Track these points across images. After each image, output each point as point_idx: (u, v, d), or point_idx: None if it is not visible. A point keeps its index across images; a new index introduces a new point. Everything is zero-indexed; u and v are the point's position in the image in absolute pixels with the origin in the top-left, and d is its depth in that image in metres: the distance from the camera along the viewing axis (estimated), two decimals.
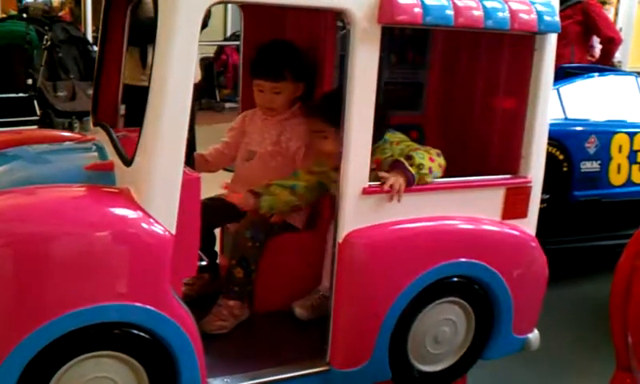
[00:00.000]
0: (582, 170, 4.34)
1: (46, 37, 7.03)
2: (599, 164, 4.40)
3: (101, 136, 2.69)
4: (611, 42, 5.99)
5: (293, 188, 2.76)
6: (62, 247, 2.05)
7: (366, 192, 2.44)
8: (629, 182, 4.55)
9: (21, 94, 6.97)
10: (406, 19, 2.31)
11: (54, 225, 2.08)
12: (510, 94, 2.79)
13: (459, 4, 2.36)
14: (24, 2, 8.56)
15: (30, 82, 6.98)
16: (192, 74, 2.13)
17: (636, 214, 4.64)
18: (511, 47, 2.75)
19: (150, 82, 2.15)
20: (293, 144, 2.91)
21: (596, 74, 4.87)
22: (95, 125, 2.82)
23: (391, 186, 2.45)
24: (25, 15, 7.39)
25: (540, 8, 2.51)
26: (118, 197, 2.20)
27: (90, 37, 7.87)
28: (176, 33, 2.08)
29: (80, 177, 2.36)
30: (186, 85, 2.12)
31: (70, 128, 7.02)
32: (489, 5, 2.42)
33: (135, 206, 2.15)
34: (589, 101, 4.57)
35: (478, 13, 2.39)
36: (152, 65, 2.15)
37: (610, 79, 4.91)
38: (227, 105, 9.79)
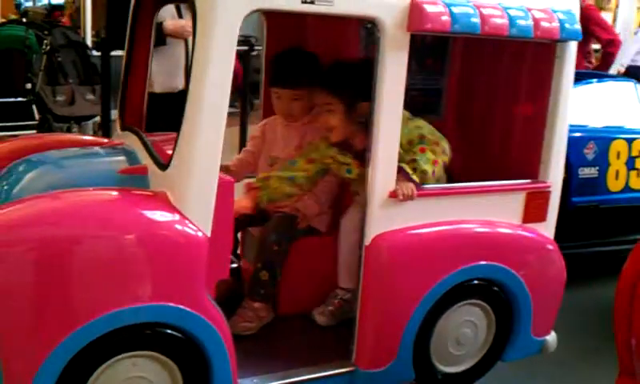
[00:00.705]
0: (581, 176, 4.36)
1: (45, 41, 6.98)
2: (597, 170, 4.42)
3: (128, 140, 2.72)
4: (611, 44, 6.00)
5: (291, 179, 2.80)
6: (101, 249, 2.09)
7: (392, 195, 2.50)
8: (627, 188, 4.57)
9: (20, 99, 6.93)
10: (435, 27, 2.37)
11: (96, 228, 2.11)
12: (530, 99, 2.85)
13: (485, 12, 2.43)
14: (23, 7, 8.52)
15: (29, 86, 6.92)
16: (229, 80, 2.17)
17: (634, 220, 4.69)
18: (532, 54, 2.81)
19: (187, 88, 2.19)
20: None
21: (594, 80, 4.91)
22: (123, 129, 2.85)
23: (404, 195, 2.51)
24: (24, 19, 7.36)
25: (561, 16, 2.58)
26: (156, 199, 2.24)
27: (89, 41, 7.84)
28: (214, 40, 2.13)
29: (113, 181, 2.40)
30: (223, 91, 2.16)
31: (69, 133, 6.98)
32: (513, 13, 2.48)
33: (172, 208, 2.19)
34: (587, 107, 4.59)
35: (503, 21, 2.46)
36: (190, 70, 2.18)
37: (609, 85, 4.96)
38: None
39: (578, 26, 2.61)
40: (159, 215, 2.18)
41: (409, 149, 2.60)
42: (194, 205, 2.19)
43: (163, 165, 2.30)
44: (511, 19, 2.46)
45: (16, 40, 6.95)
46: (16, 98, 6.94)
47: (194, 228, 2.17)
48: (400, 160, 2.54)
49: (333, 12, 2.26)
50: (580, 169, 4.35)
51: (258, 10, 2.19)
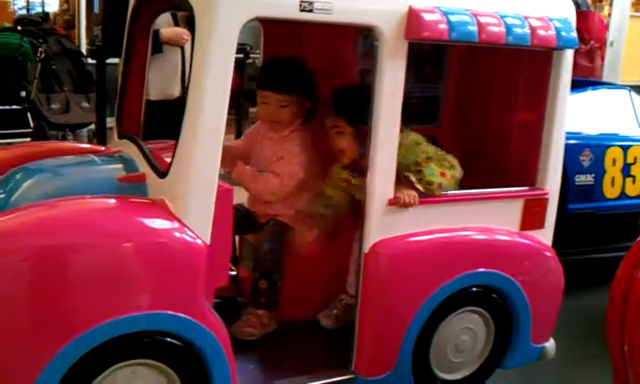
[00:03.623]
0: (577, 183, 4.39)
1: (40, 49, 6.97)
2: (593, 177, 4.45)
3: (126, 148, 2.71)
4: None
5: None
6: (99, 257, 2.08)
7: (391, 203, 2.50)
8: (623, 195, 4.60)
9: (14, 107, 6.91)
10: (432, 35, 2.38)
11: (94, 236, 2.11)
12: (527, 107, 2.87)
13: (482, 21, 2.44)
14: (18, 14, 8.49)
15: (23, 94, 6.91)
16: (228, 87, 2.17)
17: (630, 227, 4.70)
18: (529, 62, 2.82)
19: (186, 95, 2.19)
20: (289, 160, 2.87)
21: (589, 87, 4.93)
22: (120, 137, 2.84)
23: (405, 203, 2.52)
24: (19, 27, 7.34)
25: (558, 24, 2.60)
26: (155, 208, 2.24)
27: (84, 49, 7.82)
28: (214, 48, 2.13)
29: (112, 188, 2.39)
30: (222, 98, 2.17)
31: (64, 140, 6.97)
32: (510, 21, 2.50)
33: (172, 216, 2.19)
34: (583, 114, 4.62)
35: (500, 29, 2.47)
36: (189, 78, 2.18)
37: (603, 93, 4.99)
38: None
39: (574, 34, 2.63)
40: (158, 223, 2.18)
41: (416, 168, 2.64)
42: (193, 212, 2.19)
43: (162, 173, 2.30)
44: (508, 27, 2.47)
45: (11, 48, 6.94)
46: (11, 105, 6.93)
47: (194, 236, 2.17)
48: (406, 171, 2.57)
49: (331, 20, 2.27)
50: (576, 176, 4.38)
51: (256, 19, 2.20)
